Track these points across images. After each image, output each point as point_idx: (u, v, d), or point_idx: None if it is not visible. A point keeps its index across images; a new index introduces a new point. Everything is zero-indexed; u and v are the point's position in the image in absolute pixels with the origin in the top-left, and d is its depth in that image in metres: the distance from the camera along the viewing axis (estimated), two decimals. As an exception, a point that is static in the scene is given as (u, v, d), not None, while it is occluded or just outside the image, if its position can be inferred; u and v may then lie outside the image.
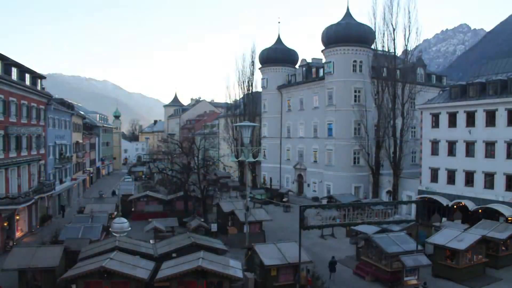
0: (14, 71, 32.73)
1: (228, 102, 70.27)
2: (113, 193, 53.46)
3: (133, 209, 41.23)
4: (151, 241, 26.77)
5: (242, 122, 44.91)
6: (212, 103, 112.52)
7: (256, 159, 32.19)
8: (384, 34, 43.55)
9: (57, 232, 28.16)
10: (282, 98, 60.82)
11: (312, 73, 54.99)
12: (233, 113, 66.46)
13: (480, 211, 33.28)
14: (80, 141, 58.31)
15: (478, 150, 34.19)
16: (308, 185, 54.78)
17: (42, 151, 38.62)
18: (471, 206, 33.95)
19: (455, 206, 35.53)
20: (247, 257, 23.81)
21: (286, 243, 24.33)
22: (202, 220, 34.60)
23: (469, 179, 35.06)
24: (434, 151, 38.17)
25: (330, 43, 47.17)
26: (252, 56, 63.45)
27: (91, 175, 69.84)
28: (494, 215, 31.68)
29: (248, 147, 27.32)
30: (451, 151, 36.55)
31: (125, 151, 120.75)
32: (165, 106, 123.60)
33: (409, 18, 41.85)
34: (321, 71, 52.69)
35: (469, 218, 33.64)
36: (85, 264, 18.76)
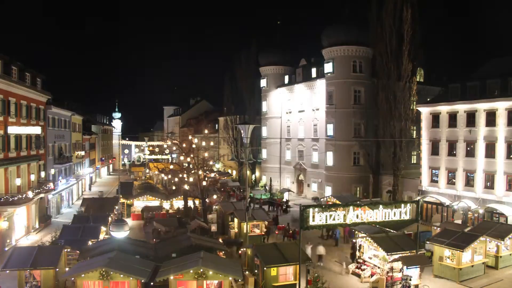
0: (14, 70, 32.69)
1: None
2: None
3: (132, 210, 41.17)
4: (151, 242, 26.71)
5: (242, 122, 44.85)
6: (212, 103, 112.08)
7: (256, 159, 32.11)
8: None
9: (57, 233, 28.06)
10: (282, 98, 60.79)
11: (312, 73, 54.92)
12: (233, 113, 66.34)
13: (480, 211, 33.27)
14: (80, 141, 58.26)
15: (478, 150, 34.19)
16: (308, 185, 54.76)
17: (41, 151, 38.59)
18: (471, 206, 33.94)
19: (455, 206, 35.51)
20: (247, 257, 23.76)
21: (286, 243, 24.32)
22: (202, 220, 34.53)
23: (469, 179, 35.06)
24: (434, 151, 38.14)
25: (330, 43, 47.11)
26: (252, 56, 63.36)
27: (91, 175, 69.71)
28: (494, 215, 31.67)
29: (248, 147, 27.28)
30: (451, 151, 36.53)
31: (125, 151, 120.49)
32: (165, 106, 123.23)
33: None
34: (321, 71, 52.61)
35: (469, 218, 33.63)
36: (85, 264, 18.72)
